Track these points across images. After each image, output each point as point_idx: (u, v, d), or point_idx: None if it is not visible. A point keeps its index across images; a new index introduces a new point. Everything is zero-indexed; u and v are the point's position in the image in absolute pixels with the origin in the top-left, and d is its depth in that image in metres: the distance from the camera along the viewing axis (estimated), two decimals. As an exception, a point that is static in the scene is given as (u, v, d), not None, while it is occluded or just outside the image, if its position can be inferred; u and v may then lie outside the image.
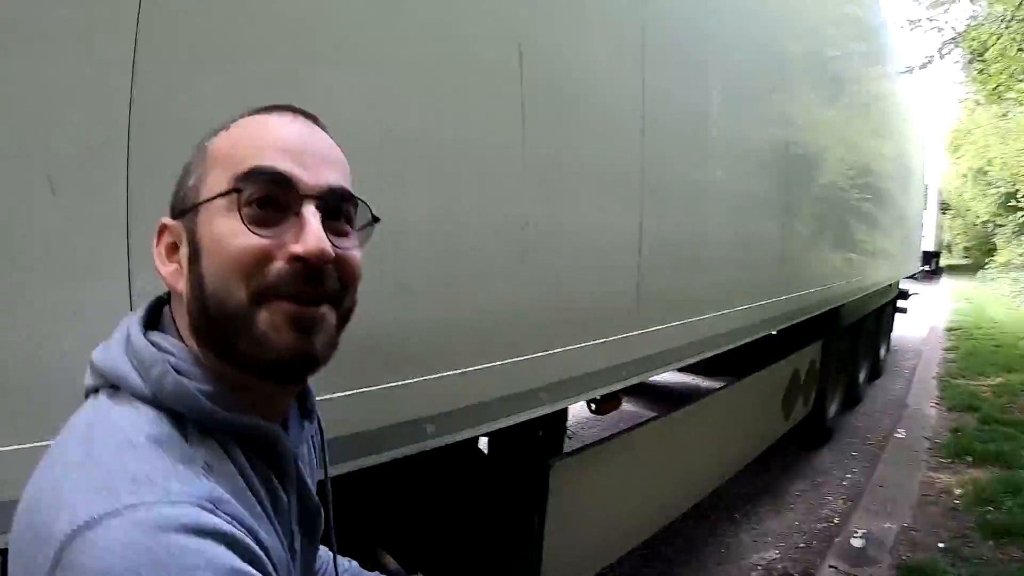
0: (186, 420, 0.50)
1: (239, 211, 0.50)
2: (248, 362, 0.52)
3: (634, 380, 1.69)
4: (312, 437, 0.70)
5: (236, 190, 0.51)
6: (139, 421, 0.48)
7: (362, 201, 0.57)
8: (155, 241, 0.57)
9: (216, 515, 0.44)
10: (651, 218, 1.65)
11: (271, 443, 0.55)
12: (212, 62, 0.86)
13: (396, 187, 1.07)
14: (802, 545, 2.96)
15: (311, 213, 0.52)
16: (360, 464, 1.05)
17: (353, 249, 0.56)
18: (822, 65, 3.26)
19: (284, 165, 0.52)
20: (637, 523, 2.13)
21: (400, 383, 1.13)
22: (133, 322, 0.54)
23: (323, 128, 0.58)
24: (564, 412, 1.78)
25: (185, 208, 0.54)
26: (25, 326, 0.71)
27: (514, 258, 1.28)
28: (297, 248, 0.50)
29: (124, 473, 0.44)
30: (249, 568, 0.44)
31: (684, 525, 2.86)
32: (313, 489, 0.65)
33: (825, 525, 3.16)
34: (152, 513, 0.41)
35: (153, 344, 0.52)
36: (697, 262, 2.03)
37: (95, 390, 0.52)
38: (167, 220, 0.56)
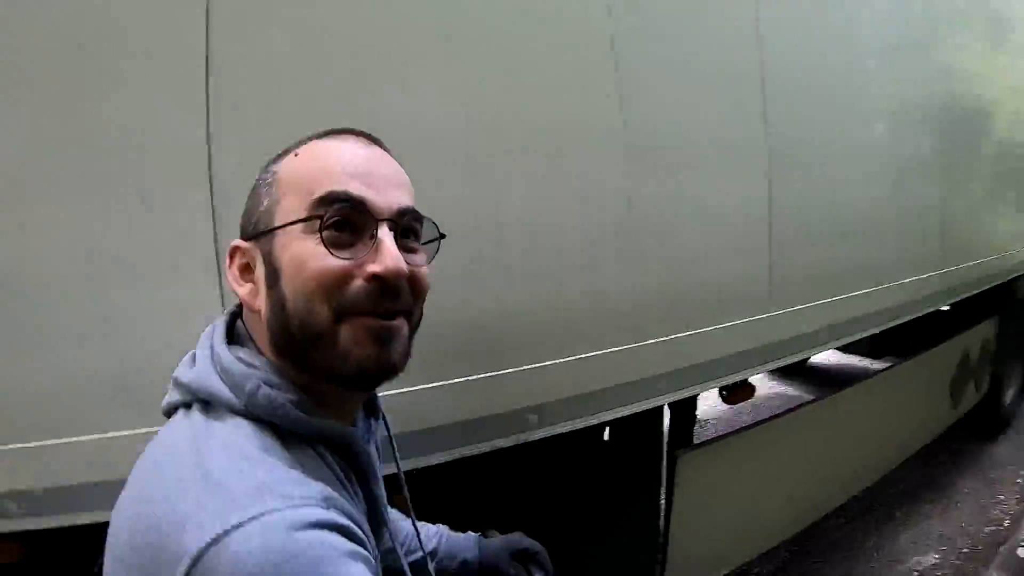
0: (280, 429, 0.53)
1: (320, 235, 0.54)
2: (331, 373, 0.55)
3: (766, 367, 1.55)
4: (376, 433, 0.74)
5: (315, 216, 0.54)
6: (242, 434, 0.51)
7: (428, 218, 0.61)
8: (227, 262, 0.60)
9: (331, 511, 0.48)
10: (781, 188, 1.49)
11: (348, 443, 0.59)
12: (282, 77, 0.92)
13: (489, 170, 1.05)
14: (966, 550, 2.60)
15: (385, 234, 0.55)
16: (460, 454, 1.06)
17: (422, 265, 0.59)
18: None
19: (357, 189, 0.55)
20: (777, 520, 1.97)
21: (500, 372, 1.11)
22: (217, 339, 0.58)
23: (386, 150, 0.62)
24: (693, 401, 1.69)
25: (259, 231, 0.57)
26: (133, 327, 0.78)
27: (620, 240, 1.20)
28: (376, 268, 0.54)
29: (245, 485, 0.46)
30: (365, 551, 0.48)
31: (835, 521, 2.62)
32: (380, 482, 0.67)
33: (994, 528, 2.77)
34: (280, 517, 0.44)
35: (239, 359, 0.56)
36: (840, 235, 1.79)
37: (184, 406, 0.56)
38: (239, 242, 0.59)
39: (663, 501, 1.55)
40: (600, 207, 1.18)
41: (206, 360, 0.56)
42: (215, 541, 0.43)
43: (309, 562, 0.43)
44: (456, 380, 1.05)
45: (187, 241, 0.87)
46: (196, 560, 0.43)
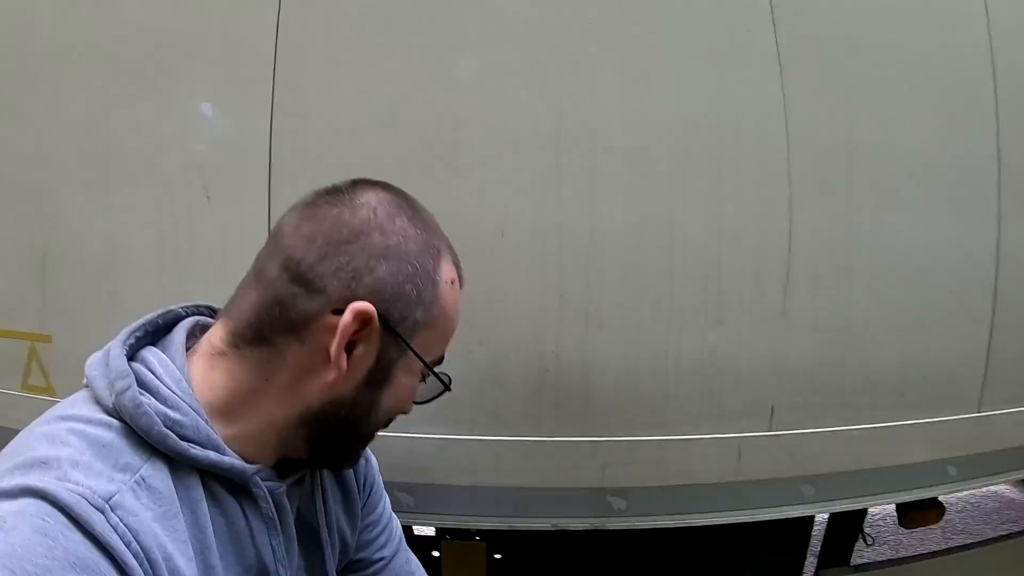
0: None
1: (423, 378, 0.59)
2: (322, 459, 0.60)
3: (965, 487, 1.13)
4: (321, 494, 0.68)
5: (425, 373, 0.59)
6: (91, 419, 0.49)
7: None
8: (349, 319, 0.52)
9: (104, 514, 0.43)
10: (1017, 232, 1.07)
11: (244, 484, 0.54)
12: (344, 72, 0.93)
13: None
14: None
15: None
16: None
17: None
18: None
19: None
20: None
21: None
22: (122, 334, 0.55)
23: None
24: (860, 513, 1.32)
25: (396, 332, 0.54)
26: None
27: (764, 291, 0.90)
28: (407, 409, 0.61)
29: (33, 454, 0.45)
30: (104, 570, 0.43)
31: None
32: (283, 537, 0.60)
33: None
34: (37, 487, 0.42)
35: (142, 360, 0.53)
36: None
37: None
38: (372, 312, 0.52)
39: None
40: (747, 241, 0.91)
41: (104, 351, 0.56)
42: None
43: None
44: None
45: (244, 232, 0.91)
46: None
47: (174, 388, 0.51)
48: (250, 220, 0.91)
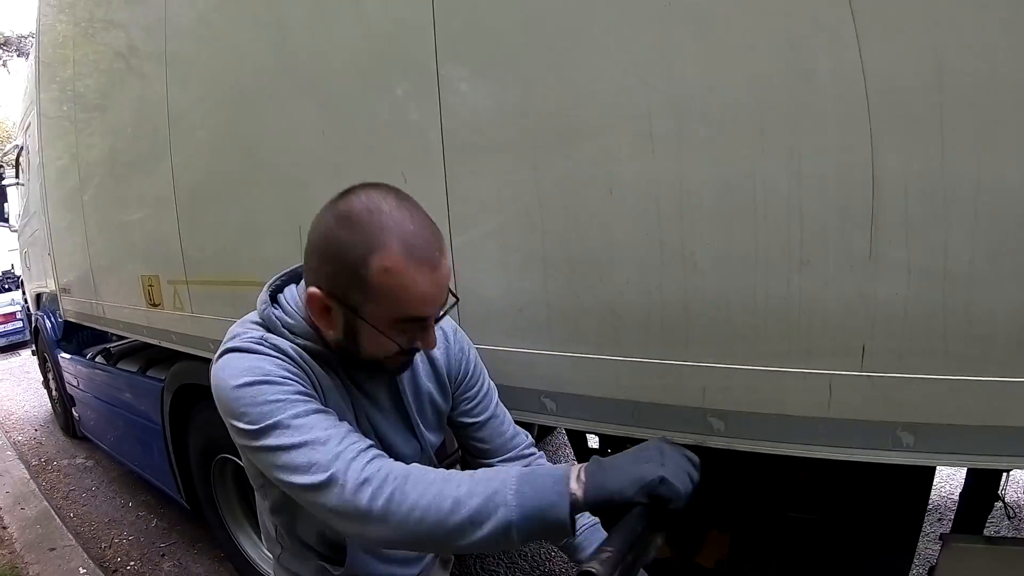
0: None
1: (394, 339, 0.85)
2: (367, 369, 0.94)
3: None
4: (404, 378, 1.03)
5: (396, 330, 0.84)
6: (251, 323, 0.93)
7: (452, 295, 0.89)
8: (307, 300, 0.86)
9: (261, 344, 0.86)
10: None
11: (329, 360, 0.92)
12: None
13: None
14: None
15: (431, 323, 0.86)
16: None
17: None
18: None
19: (428, 312, 0.84)
20: None
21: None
22: (274, 277, 0.98)
23: (444, 247, 0.84)
24: (996, 476, 1.25)
25: (345, 304, 0.83)
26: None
27: (848, 235, 0.90)
28: (420, 346, 0.89)
29: (230, 334, 0.91)
30: (277, 366, 0.85)
31: None
32: (412, 408, 1.02)
33: None
34: (227, 346, 0.88)
35: (277, 302, 0.94)
36: None
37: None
38: (320, 295, 0.84)
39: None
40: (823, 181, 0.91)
41: (265, 287, 0.96)
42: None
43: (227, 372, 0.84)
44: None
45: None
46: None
47: (291, 306, 0.92)
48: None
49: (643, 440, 1.05)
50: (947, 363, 0.90)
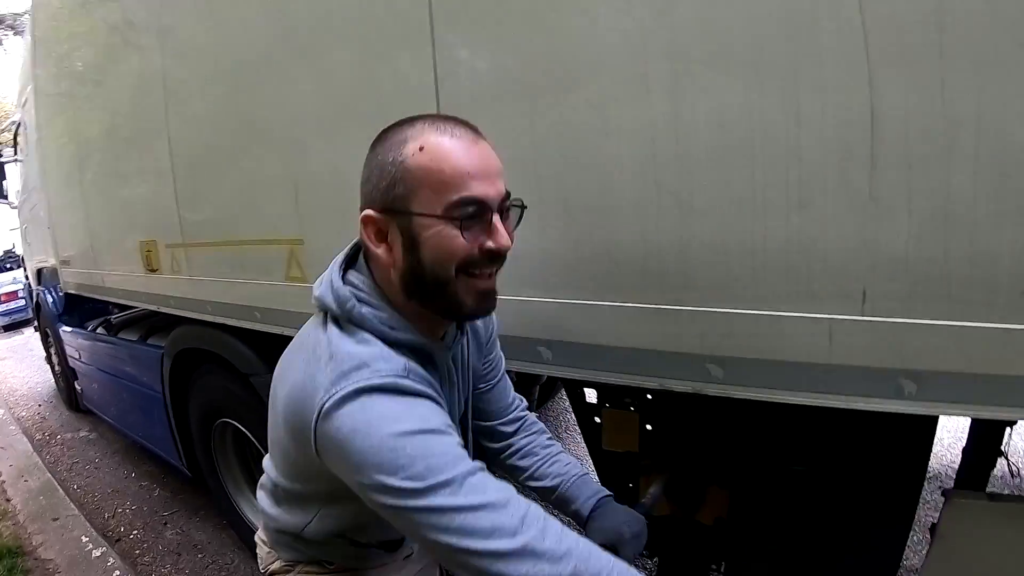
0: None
1: (460, 229, 0.76)
2: (448, 312, 0.84)
3: None
4: (464, 344, 1.00)
5: (453, 217, 0.75)
6: (347, 332, 0.81)
7: (515, 199, 0.83)
8: (362, 227, 0.81)
9: (408, 378, 0.76)
10: None
11: (427, 352, 0.86)
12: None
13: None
14: None
15: (496, 219, 0.78)
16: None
17: (511, 232, 0.82)
18: None
19: (481, 191, 0.76)
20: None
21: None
22: (335, 267, 0.86)
23: (483, 136, 0.79)
24: (1000, 428, 1.23)
25: (395, 210, 0.78)
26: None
27: (847, 175, 0.88)
28: (492, 245, 0.78)
29: (350, 362, 0.75)
30: (432, 409, 0.75)
31: None
32: (456, 386, 0.98)
33: None
34: (368, 384, 0.73)
35: (348, 283, 0.84)
36: None
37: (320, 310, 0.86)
38: (372, 213, 0.80)
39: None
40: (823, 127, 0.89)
41: (327, 282, 0.84)
42: (330, 398, 0.71)
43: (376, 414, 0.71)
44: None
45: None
46: (320, 413, 0.71)
47: (364, 291, 0.83)
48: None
49: (641, 388, 1.10)
50: (950, 308, 0.88)
